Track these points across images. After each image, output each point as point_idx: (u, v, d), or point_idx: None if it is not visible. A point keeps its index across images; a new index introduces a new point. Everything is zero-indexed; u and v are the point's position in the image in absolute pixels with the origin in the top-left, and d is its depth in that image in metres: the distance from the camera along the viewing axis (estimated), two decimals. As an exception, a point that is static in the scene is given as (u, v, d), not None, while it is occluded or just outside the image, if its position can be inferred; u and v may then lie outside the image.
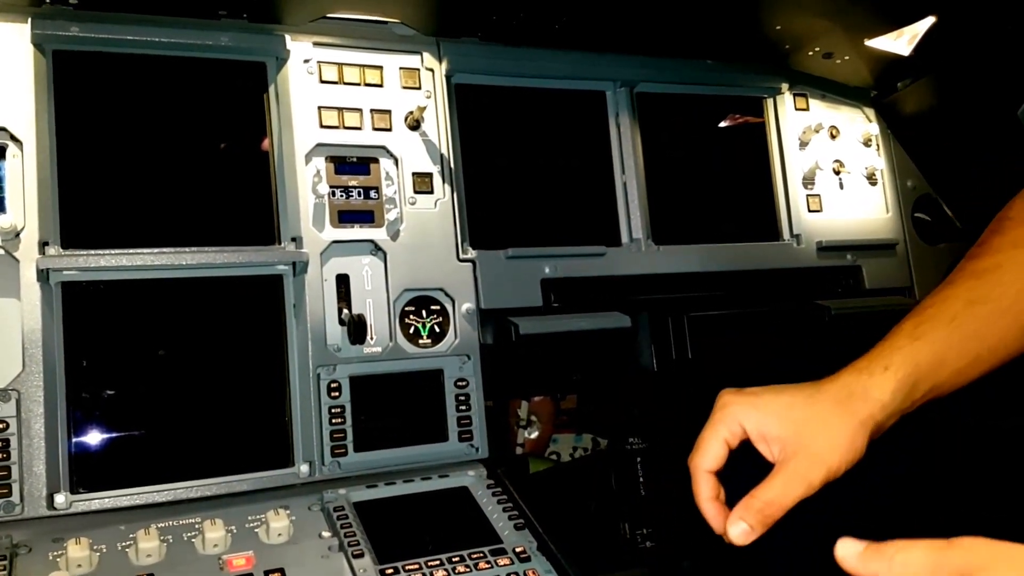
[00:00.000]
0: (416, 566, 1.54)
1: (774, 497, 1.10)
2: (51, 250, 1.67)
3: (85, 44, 1.78)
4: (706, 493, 1.16)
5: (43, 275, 1.64)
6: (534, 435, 2.99)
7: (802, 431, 1.15)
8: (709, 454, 1.16)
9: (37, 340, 1.62)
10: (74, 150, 1.75)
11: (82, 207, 1.74)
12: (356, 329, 1.83)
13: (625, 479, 2.37)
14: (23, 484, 1.57)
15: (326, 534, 1.61)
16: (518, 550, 1.62)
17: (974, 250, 1.30)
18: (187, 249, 1.77)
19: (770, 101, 2.49)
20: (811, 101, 2.54)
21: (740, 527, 1.09)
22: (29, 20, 1.72)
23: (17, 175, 1.68)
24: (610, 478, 2.42)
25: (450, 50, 2.09)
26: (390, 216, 1.96)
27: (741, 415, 1.17)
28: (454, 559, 1.57)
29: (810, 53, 2.40)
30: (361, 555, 1.55)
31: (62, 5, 1.76)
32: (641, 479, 2.34)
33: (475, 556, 1.59)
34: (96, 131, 1.79)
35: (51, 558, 1.47)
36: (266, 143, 1.91)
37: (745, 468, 1.24)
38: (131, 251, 1.73)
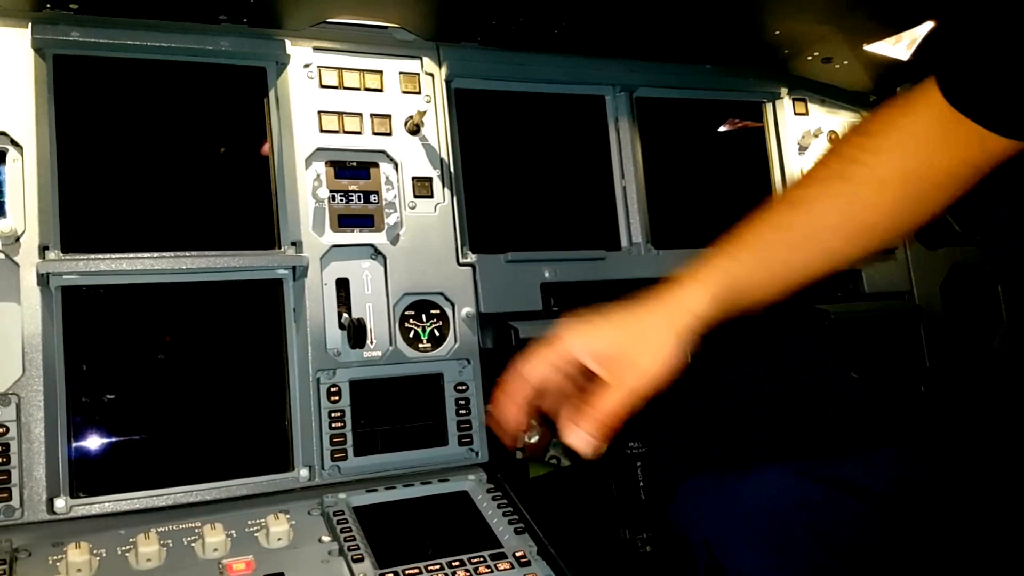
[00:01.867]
0: (416, 571, 1.54)
1: (608, 408, 1.23)
2: (51, 254, 1.67)
3: (86, 49, 1.78)
4: (518, 396, 1.30)
5: (43, 279, 1.65)
6: (534, 439, 2.98)
7: (626, 348, 1.28)
8: (536, 367, 1.29)
9: (37, 344, 1.62)
10: (74, 154, 1.75)
11: (82, 211, 1.74)
12: (356, 333, 1.83)
13: (625, 484, 2.36)
14: (23, 488, 1.57)
15: (326, 538, 1.61)
16: (518, 554, 1.62)
17: (800, 178, 1.39)
18: (187, 253, 1.77)
19: (769, 106, 2.50)
20: (810, 106, 2.54)
21: (582, 436, 1.23)
22: (30, 25, 1.72)
23: (17, 179, 1.68)
24: (610, 483, 2.41)
25: (450, 55, 2.10)
26: (390, 220, 1.96)
27: (572, 345, 1.29)
28: (454, 563, 1.57)
29: (809, 58, 2.40)
30: (361, 559, 1.55)
31: (63, 10, 1.76)
32: (641, 484, 2.34)
33: (475, 560, 1.59)
34: (96, 135, 1.79)
35: (51, 562, 1.47)
36: (266, 147, 1.91)
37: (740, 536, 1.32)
38: (131, 255, 1.73)
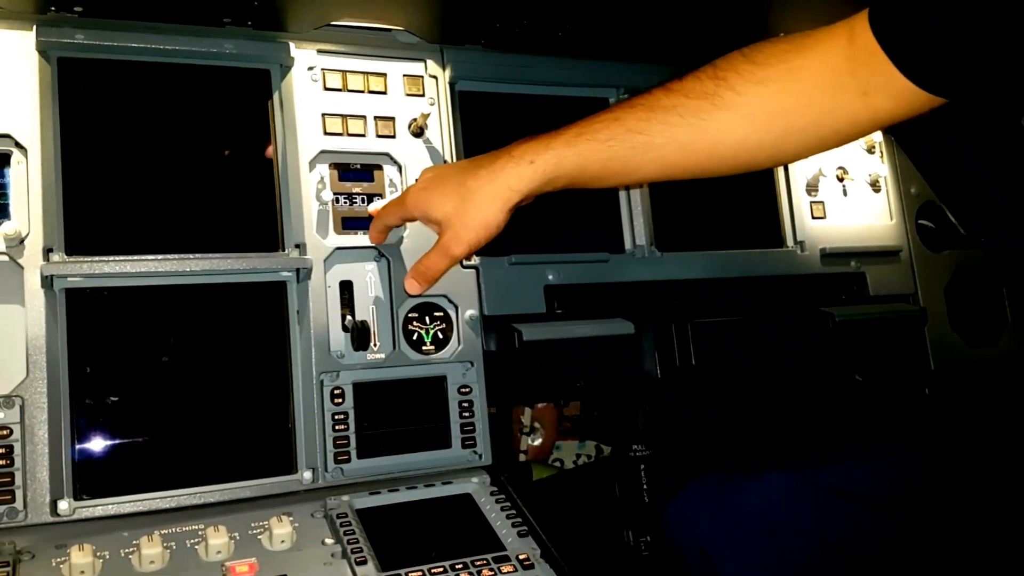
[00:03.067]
0: (419, 573, 1.54)
1: (430, 263, 1.67)
2: (55, 257, 1.68)
3: (90, 51, 1.79)
4: (377, 228, 1.84)
5: (47, 282, 1.65)
6: (537, 442, 2.99)
7: (454, 211, 1.55)
8: (388, 216, 1.80)
9: (41, 347, 1.63)
10: (79, 157, 1.75)
11: (87, 214, 1.74)
12: (359, 336, 1.83)
13: (628, 486, 2.36)
14: (26, 491, 1.57)
15: (329, 541, 1.61)
16: (521, 557, 1.61)
17: (671, 83, 1.41)
18: (191, 256, 1.77)
19: (773, 108, 2.49)
20: (814, 108, 2.54)
21: (410, 282, 1.74)
22: (34, 27, 1.73)
23: (22, 182, 1.68)
24: (613, 485, 2.41)
25: (454, 57, 2.10)
26: (394, 223, 1.96)
27: (413, 205, 1.67)
28: (457, 566, 1.57)
29: (813, 60, 2.39)
30: (364, 562, 1.54)
31: (67, 12, 1.77)
32: (645, 487, 2.34)
33: (478, 563, 1.59)
34: (101, 138, 1.79)
35: (54, 564, 1.47)
36: (270, 150, 1.91)
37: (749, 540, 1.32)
38: (135, 258, 1.73)
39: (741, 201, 2.43)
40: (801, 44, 1.33)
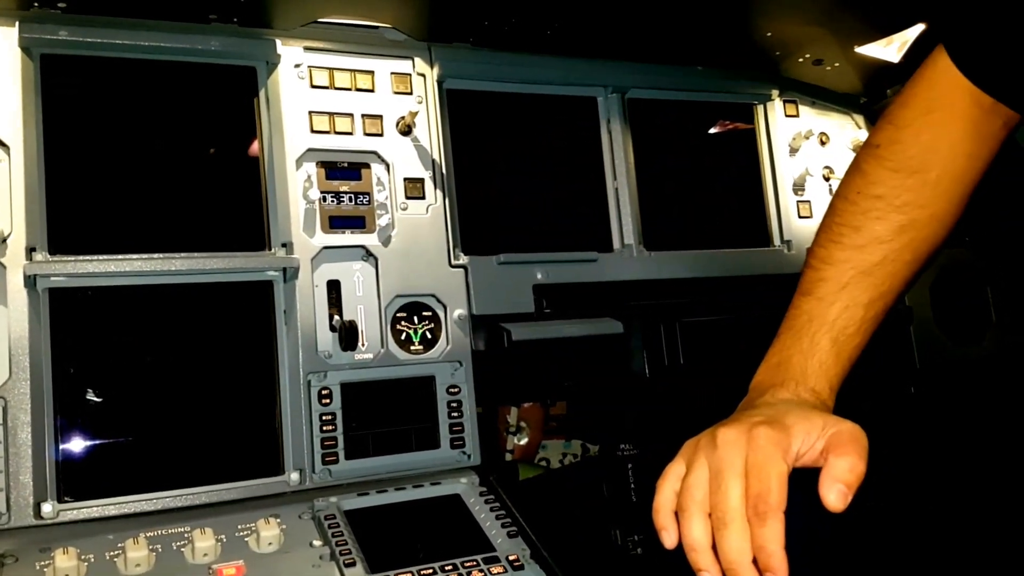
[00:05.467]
0: (409, 575, 1.53)
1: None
2: (38, 256, 1.65)
3: (73, 48, 1.76)
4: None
5: (30, 281, 1.63)
6: (523, 441, 2.98)
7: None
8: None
9: (24, 347, 1.60)
10: (62, 155, 1.73)
11: (70, 212, 1.72)
12: (347, 335, 1.82)
13: (616, 486, 2.36)
14: (9, 493, 1.55)
15: (317, 543, 1.60)
16: (511, 558, 1.61)
17: (852, 229, 1.27)
18: (176, 255, 1.75)
19: (760, 107, 2.50)
20: (801, 108, 2.55)
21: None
22: (17, 24, 1.70)
23: (4, 180, 1.66)
24: (601, 485, 2.41)
25: (442, 55, 2.08)
26: (381, 222, 1.95)
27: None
28: (447, 567, 1.56)
29: (800, 60, 2.40)
30: (353, 564, 1.53)
31: (50, 9, 1.74)
32: (632, 486, 2.34)
33: (468, 564, 1.58)
34: (84, 136, 1.77)
35: (38, 568, 1.45)
36: (256, 148, 1.90)
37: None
38: (119, 257, 1.71)
39: (728, 201, 2.44)
40: (924, 100, 1.27)
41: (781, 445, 1.00)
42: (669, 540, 1.03)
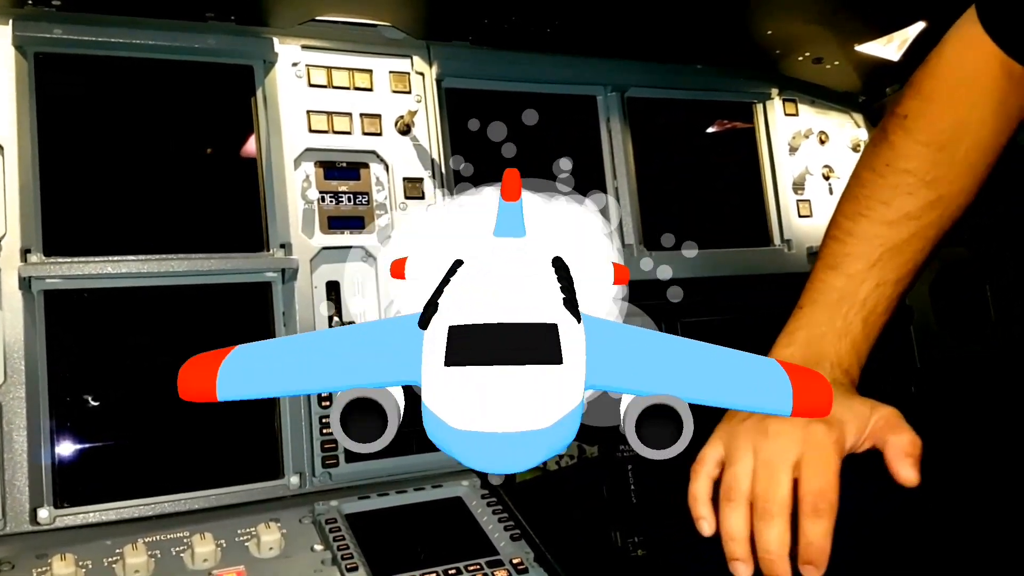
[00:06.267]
0: (412, 579, 1.51)
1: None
2: (33, 257, 1.63)
3: (68, 46, 1.74)
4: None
5: (25, 283, 1.60)
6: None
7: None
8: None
9: (19, 350, 1.58)
10: (57, 155, 1.71)
11: (65, 213, 1.69)
12: (347, 337, 1.80)
13: (616, 487, 2.35)
14: (5, 498, 1.52)
15: (318, 547, 1.58)
16: (515, 561, 1.59)
17: (887, 207, 1.24)
18: (173, 256, 1.73)
19: (760, 106, 2.49)
20: (800, 106, 2.54)
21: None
22: (10, 22, 1.68)
23: (-2, 180, 1.64)
24: (600, 486, 2.39)
25: (440, 54, 2.07)
26: (381, 222, 1.93)
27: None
28: (450, 571, 1.54)
29: (800, 58, 2.40)
30: (355, 568, 1.51)
31: (45, 6, 1.72)
32: (632, 487, 2.32)
33: (472, 568, 1.56)
34: (80, 135, 1.74)
35: (35, 575, 1.43)
36: (254, 148, 1.88)
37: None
38: (116, 258, 1.68)
39: (728, 200, 2.43)
40: (953, 66, 1.25)
41: (839, 443, 1.01)
42: (708, 528, 1.02)
